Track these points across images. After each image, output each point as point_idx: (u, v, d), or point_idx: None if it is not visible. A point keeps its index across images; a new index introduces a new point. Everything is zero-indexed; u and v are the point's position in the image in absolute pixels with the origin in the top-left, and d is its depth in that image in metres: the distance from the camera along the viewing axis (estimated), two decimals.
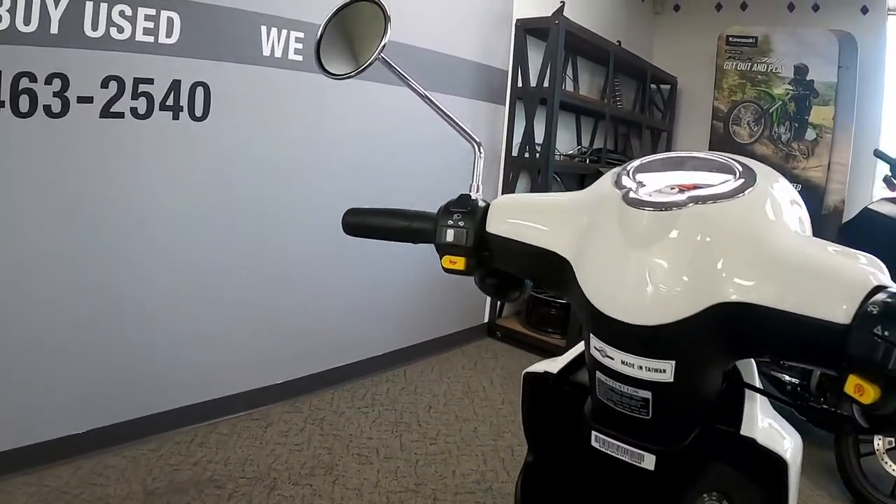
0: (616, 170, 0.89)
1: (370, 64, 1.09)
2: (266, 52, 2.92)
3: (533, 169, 4.55)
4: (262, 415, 3.21)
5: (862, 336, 0.65)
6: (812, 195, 5.45)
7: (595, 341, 0.81)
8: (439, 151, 3.78)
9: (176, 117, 2.68)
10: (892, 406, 0.66)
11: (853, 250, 0.79)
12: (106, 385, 2.67)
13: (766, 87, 5.63)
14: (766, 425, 0.83)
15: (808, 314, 0.69)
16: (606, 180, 0.88)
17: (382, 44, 1.08)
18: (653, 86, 6.31)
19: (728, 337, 0.75)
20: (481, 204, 1.02)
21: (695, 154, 0.91)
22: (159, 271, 2.77)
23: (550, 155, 4.44)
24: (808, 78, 5.47)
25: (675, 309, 0.72)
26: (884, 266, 0.77)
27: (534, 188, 4.61)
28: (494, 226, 0.99)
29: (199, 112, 2.74)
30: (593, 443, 0.87)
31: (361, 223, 1.13)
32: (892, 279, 2.41)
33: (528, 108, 4.48)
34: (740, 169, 0.83)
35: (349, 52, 1.14)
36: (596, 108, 5.31)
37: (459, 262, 1.01)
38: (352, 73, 1.12)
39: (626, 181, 0.84)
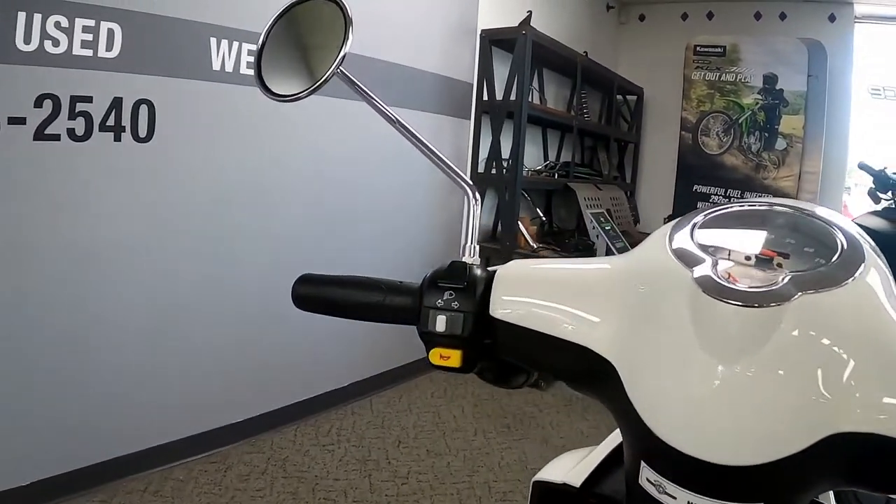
0: (668, 227, 0.69)
1: (326, 80, 0.87)
2: (216, 66, 2.74)
3: (500, 185, 4.43)
4: (220, 457, 3.01)
5: None
6: None
7: (649, 472, 0.61)
8: (418, 168, 3.66)
9: (118, 139, 2.48)
10: None
11: None
12: (50, 432, 2.46)
13: (735, 97, 5.62)
14: None
15: None
16: (660, 244, 0.67)
17: (342, 54, 0.86)
18: (619, 97, 6.25)
19: (845, 473, 0.56)
20: (481, 274, 0.77)
21: (770, 204, 0.71)
22: (104, 308, 2.57)
23: (518, 170, 4.33)
24: (777, 87, 5.48)
25: (779, 445, 0.53)
26: None
27: (501, 205, 4.51)
28: (502, 308, 0.74)
29: (142, 133, 2.54)
30: None
31: (318, 296, 0.85)
32: None
33: (494, 122, 4.36)
34: (837, 226, 0.64)
35: (299, 65, 0.92)
36: (563, 120, 5.23)
37: (454, 358, 0.75)
38: (302, 93, 0.88)
39: (689, 246, 0.64)
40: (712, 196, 5.74)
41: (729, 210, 0.70)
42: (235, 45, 2.79)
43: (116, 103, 2.45)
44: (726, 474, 0.55)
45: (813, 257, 0.61)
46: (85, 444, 2.58)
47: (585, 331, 0.67)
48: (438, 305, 0.75)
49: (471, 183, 0.88)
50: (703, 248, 0.63)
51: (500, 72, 4.39)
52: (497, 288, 0.75)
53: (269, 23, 0.93)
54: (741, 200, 0.75)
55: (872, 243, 0.72)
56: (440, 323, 0.74)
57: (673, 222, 0.69)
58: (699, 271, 0.59)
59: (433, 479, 3.01)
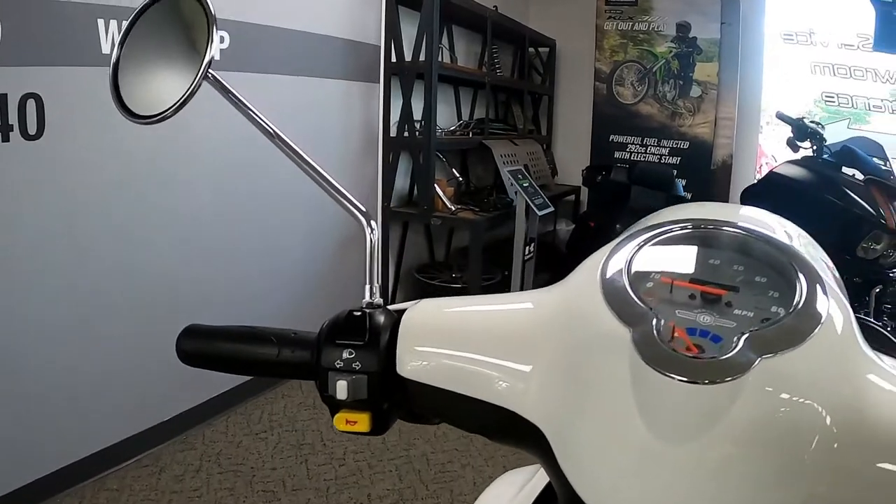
0: (601, 258, 0.61)
1: (192, 92, 0.76)
2: (106, 49, 2.61)
3: (414, 149, 4.42)
4: (152, 459, 2.96)
5: None
6: (701, 151, 5.62)
7: None
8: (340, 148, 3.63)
9: (6, 139, 2.33)
10: None
11: None
12: None
13: (649, 46, 5.70)
14: None
15: None
16: (591, 285, 0.59)
17: (207, 58, 0.75)
18: (532, 50, 6.26)
19: None
20: (384, 323, 0.68)
21: (717, 224, 0.64)
22: (7, 317, 2.46)
23: (431, 132, 4.31)
24: (690, 35, 5.58)
25: None
26: None
27: (416, 168, 4.50)
28: (410, 365, 0.66)
29: (32, 130, 2.40)
30: None
31: (206, 352, 0.74)
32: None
33: (404, 83, 4.32)
34: (791, 254, 0.59)
35: (163, 77, 0.79)
36: (475, 77, 5.23)
37: (361, 422, 0.67)
38: (168, 111, 0.77)
39: (626, 293, 0.56)
40: (629, 145, 5.83)
41: (670, 234, 0.64)
42: (125, 23, 2.67)
43: (1, 99, 2.31)
44: None
45: (766, 289, 0.56)
46: (7, 467, 2.48)
47: (508, 391, 0.61)
48: (338, 367, 0.67)
49: (364, 210, 0.78)
50: (643, 290, 0.58)
51: (408, 32, 4.33)
52: (403, 340, 0.67)
53: (123, 31, 0.81)
54: (683, 221, 0.66)
55: (822, 256, 0.69)
56: (341, 389, 0.66)
57: (607, 250, 0.64)
58: (638, 333, 0.52)
59: (370, 458, 3.03)
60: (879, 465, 0.48)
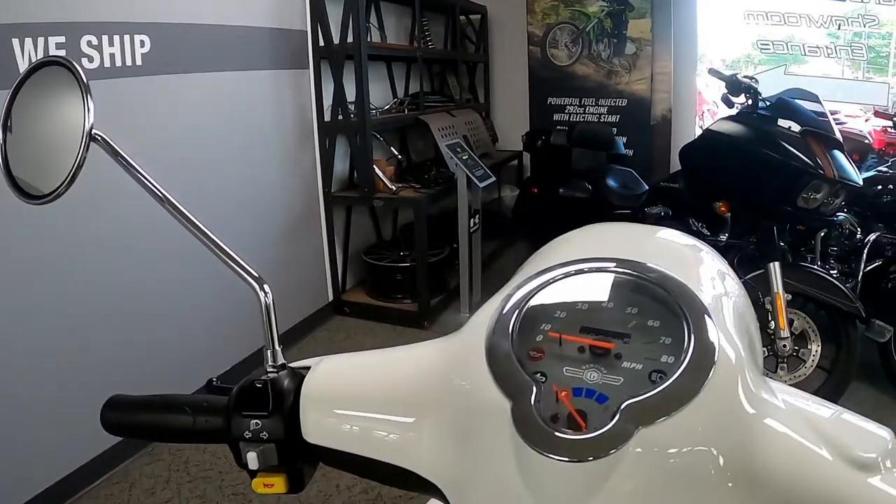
0: (491, 310, 0.64)
1: (79, 163, 0.75)
2: (23, 68, 2.59)
3: (350, 132, 4.42)
4: (121, 475, 2.97)
5: None
6: (639, 108, 5.67)
7: None
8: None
9: None
10: None
11: (852, 417, 0.59)
12: None
13: (580, 7, 5.73)
14: None
15: None
16: (477, 347, 0.61)
17: (86, 129, 0.75)
18: (463, 18, 6.25)
19: None
20: (287, 387, 0.72)
21: (608, 268, 0.66)
22: None
23: (366, 113, 4.31)
24: None
25: None
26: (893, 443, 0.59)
27: (353, 151, 4.51)
28: (315, 432, 0.70)
29: None
30: None
31: (128, 422, 0.78)
32: (733, 197, 2.42)
33: (334, 67, 4.30)
34: (682, 299, 0.61)
35: (53, 151, 0.78)
36: (407, 53, 5.23)
37: (278, 485, 0.72)
38: (60, 188, 0.76)
39: (509, 360, 0.58)
40: (567, 107, 5.88)
41: (561, 280, 0.66)
42: (41, 40, 2.62)
43: None
44: None
45: (658, 335, 0.59)
46: None
47: (405, 452, 0.65)
48: (247, 437, 0.70)
49: (257, 275, 0.78)
50: (532, 344, 0.60)
51: (335, 13, 4.30)
52: (306, 407, 0.71)
53: (3, 113, 0.79)
54: (574, 263, 0.68)
55: (724, 279, 0.72)
56: (252, 460, 0.70)
57: (498, 299, 0.66)
58: (518, 408, 0.54)
59: None
60: None
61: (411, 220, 4.73)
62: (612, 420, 0.52)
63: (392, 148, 5.03)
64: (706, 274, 0.73)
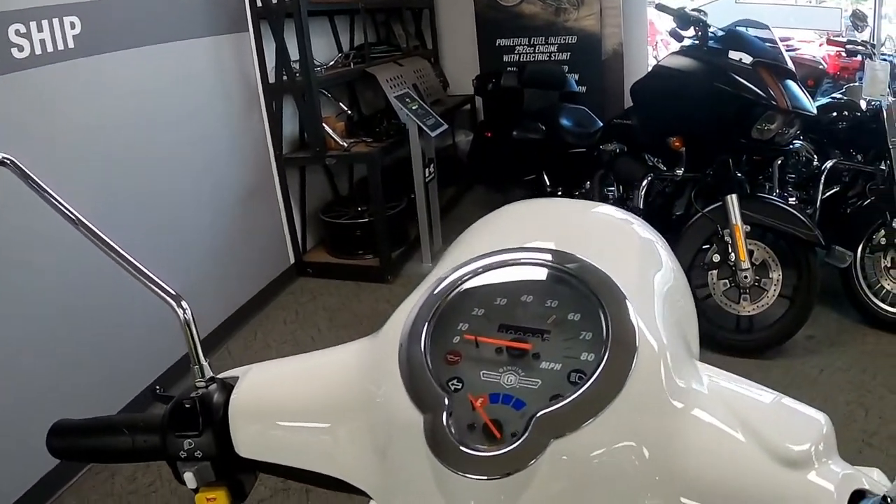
0: (408, 313, 0.64)
1: None
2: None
3: (296, 91, 4.35)
4: (102, 466, 2.92)
5: None
6: (590, 44, 5.64)
7: None
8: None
9: None
10: None
11: (786, 403, 0.60)
12: None
13: None
14: None
15: None
16: (391, 356, 0.61)
17: None
18: None
19: None
20: (216, 403, 0.72)
21: (494, 261, 0.65)
22: None
23: (310, 71, 4.24)
24: None
25: None
26: (828, 429, 0.59)
27: (301, 111, 4.45)
28: (249, 448, 0.71)
29: None
30: None
31: (72, 447, 0.78)
32: (687, 132, 2.97)
33: (274, 26, 4.20)
34: (591, 281, 0.60)
35: None
36: (349, 6, 5.13)
37: (220, 498, 0.72)
38: None
39: (423, 369, 0.58)
40: (517, 47, 5.82)
41: (479, 275, 0.65)
42: None
43: None
44: None
45: (578, 329, 0.58)
46: None
47: (334, 460, 0.66)
48: (182, 457, 0.71)
49: (174, 293, 0.77)
50: (449, 348, 0.60)
51: None
52: (235, 423, 0.72)
53: None
54: (494, 254, 0.67)
55: (659, 263, 0.72)
56: (190, 480, 0.71)
57: (411, 301, 0.66)
58: (430, 423, 0.54)
59: None
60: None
61: (366, 175, 4.70)
62: (525, 431, 0.51)
63: (341, 104, 4.97)
64: (633, 258, 0.73)
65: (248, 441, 0.71)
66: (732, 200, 3.29)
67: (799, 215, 3.28)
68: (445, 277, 0.66)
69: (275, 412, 0.71)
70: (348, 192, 5.48)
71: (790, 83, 3.30)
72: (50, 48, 2.73)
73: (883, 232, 3.53)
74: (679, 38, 3.60)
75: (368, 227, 4.64)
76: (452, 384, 0.57)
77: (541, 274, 0.64)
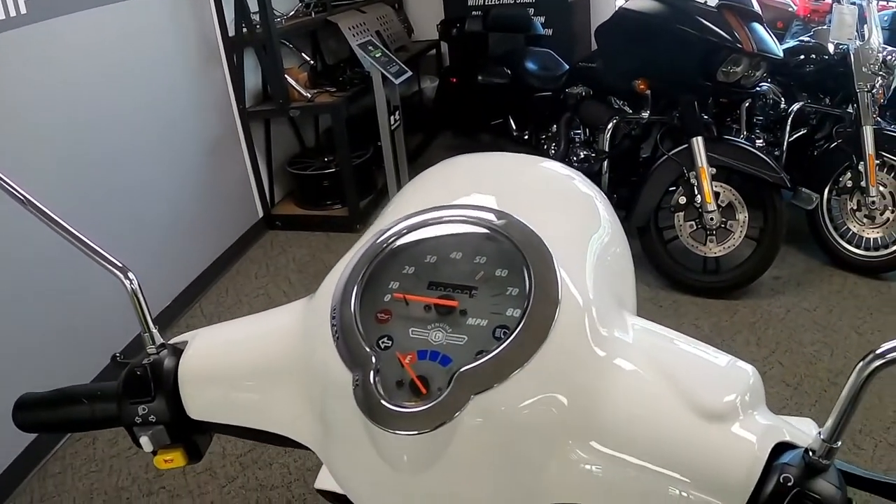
0: (336, 274, 0.66)
1: None
2: None
3: (256, 44, 4.29)
4: (83, 432, 2.93)
5: None
6: None
7: None
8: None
9: None
10: None
11: (715, 356, 0.62)
12: None
13: None
14: None
15: None
16: (322, 318, 0.63)
17: None
18: None
19: None
20: (167, 369, 0.75)
21: (426, 219, 0.68)
22: None
23: (270, 22, 4.17)
24: None
25: None
26: (756, 381, 0.60)
27: (263, 63, 4.41)
28: (199, 410, 0.75)
29: None
30: None
31: (37, 420, 0.82)
32: (652, 74, 3.11)
33: None
34: (516, 238, 0.62)
35: None
36: None
37: (177, 459, 0.76)
38: None
39: (354, 329, 0.60)
40: None
41: (411, 233, 0.67)
42: None
43: None
44: None
45: (505, 285, 0.60)
46: None
47: (277, 419, 0.69)
48: (138, 422, 0.74)
49: (120, 265, 0.78)
50: (379, 307, 0.61)
51: None
52: (185, 388, 0.75)
53: None
54: (427, 212, 0.69)
55: (595, 214, 0.73)
56: (146, 444, 0.74)
57: (343, 264, 0.68)
58: (359, 382, 0.56)
59: None
60: (619, 455, 0.56)
61: (332, 126, 4.67)
62: (448, 387, 0.54)
63: (303, 54, 4.92)
64: (565, 215, 0.74)
65: (197, 404, 0.74)
66: (698, 143, 3.32)
67: (765, 157, 3.31)
68: (377, 237, 0.68)
69: (220, 376, 0.74)
70: (314, 143, 5.45)
71: (756, 25, 3.30)
72: (2, 15, 2.66)
73: (849, 174, 3.57)
74: None
75: (335, 177, 4.63)
76: (382, 342, 0.59)
77: (470, 231, 0.65)
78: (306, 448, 0.69)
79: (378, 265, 0.65)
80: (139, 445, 0.75)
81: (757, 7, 3.35)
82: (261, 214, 4.75)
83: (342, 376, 0.58)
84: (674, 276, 3.55)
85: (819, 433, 0.53)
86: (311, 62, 4.96)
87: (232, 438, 2.58)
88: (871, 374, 0.51)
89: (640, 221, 3.54)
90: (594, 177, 3.66)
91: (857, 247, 3.64)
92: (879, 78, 3.45)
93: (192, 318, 3.75)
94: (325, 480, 0.87)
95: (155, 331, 0.78)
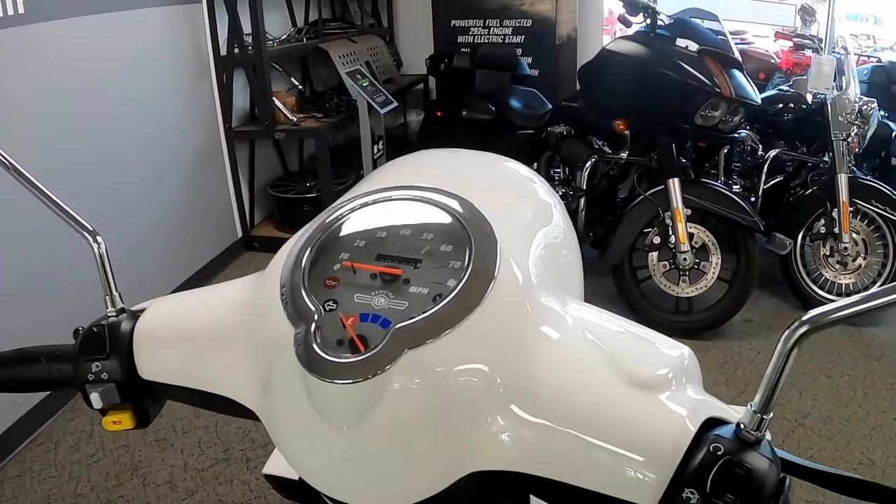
0: (293, 245, 0.69)
1: None
2: None
3: (247, 64, 4.35)
4: (45, 435, 2.96)
5: None
6: (544, 28, 5.66)
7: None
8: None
9: None
10: None
11: (652, 336, 0.65)
12: None
13: None
14: None
15: (597, 489, 0.56)
16: (273, 281, 0.66)
17: None
18: None
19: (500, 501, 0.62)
20: (123, 331, 0.77)
21: (381, 197, 0.71)
22: None
23: (262, 44, 4.26)
24: None
25: (415, 492, 0.59)
26: (691, 362, 0.63)
27: (252, 84, 4.46)
28: (150, 369, 0.77)
29: None
30: None
31: None
32: (632, 115, 3.08)
33: None
34: (464, 217, 0.65)
35: None
36: None
37: (125, 421, 0.78)
38: None
39: (301, 288, 0.63)
40: (471, 29, 5.83)
41: (364, 209, 0.70)
42: None
43: None
44: None
45: (448, 259, 0.62)
46: None
47: (224, 381, 0.71)
48: (91, 379, 0.76)
49: (91, 228, 0.82)
50: (328, 275, 0.64)
51: None
52: (139, 349, 0.77)
53: None
54: (380, 192, 0.72)
55: (538, 202, 0.76)
56: (96, 400, 0.75)
57: (298, 235, 0.71)
58: (300, 335, 0.59)
59: None
60: (544, 422, 0.58)
61: (316, 151, 4.72)
62: (380, 343, 0.56)
63: (293, 78, 4.99)
64: (517, 207, 0.76)
65: (149, 364, 0.76)
66: (674, 184, 3.38)
67: (739, 201, 3.39)
68: (331, 213, 0.71)
69: (174, 338, 0.76)
70: (298, 167, 5.49)
71: (736, 72, 3.39)
72: (0, 13, 2.71)
73: (823, 221, 3.64)
74: (628, 25, 3.67)
75: (316, 202, 4.66)
76: (328, 305, 0.61)
77: (422, 210, 0.68)
78: (251, 416, 0.71)
79: (330, 238, 0.68)
80: (90, 404, 0.77)
81: (737, 55, 3.45)
82: (240, 234, 4.77)
83: (286, 331, 0.60)
84: (646, 315, 3.59)
85: (750, 405, 0.54)
86: (300, 87, 5.02)
87: (195, 453, 2.64)
88: (797, 341, 0.51)
89: (615, 260, 3.60)
90: (571, 215, 3.71)
91: (829, 292, 3.71)
92: (855, 127, 3.54)
93: None
94: (274, 465, 0.88)
95: (116, 294, 0.81)
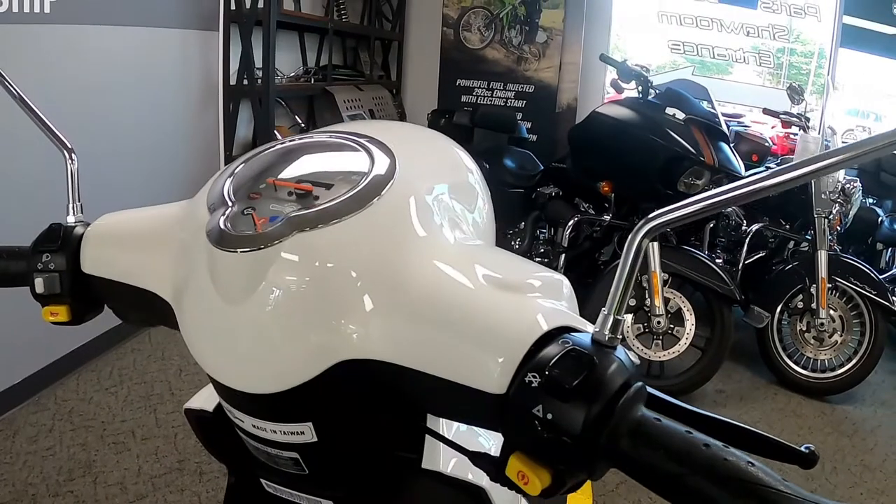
0: (218, 173, 0.75)
1: None
2: None
3: (254, 96, 4.50)
4: (6, 423, 3.01)
5: (518, 415, 0.54)
6: (546, 94, 5.87)
7: (222, 402, 0.72)
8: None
9: None
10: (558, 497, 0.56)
11: (534, 266, 0.70)
12: None
13: None
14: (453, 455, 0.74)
15: (452, 378, 0.58)
16: (205, 189, 0.73)
17: None
18: None
19: (370, 394, 0.66)
20: (76, 233, 0.85)
21: (316, 138, 0.78)
22: None
23: (270, 79, 4.41)
24: None
25: (290, 374, 0.62)
26: (568, 291, 0.69)
27: (257, 116, 4.59)
28: (91, 263, 0.83)
29: None
30: (266, 488, 0.83)
31: None
32: (615, 176, 3.31)
33: (243, 31, 4.37)
34: (376, 154, 0.71)
35: None
36: (319, 24, 5.30)
37: (61, 314, 0.84)
38: None
39: (225, 191, 0.69)
40: (475, 89, 6.04)
41: (285, 145, 0.77)
42: None
43: None
44: (262, 400, 0.65)
45: (357, 184, 0.66)
46: None
47: (150, 276, 0.76)
48: (38, 268, 0.83)
49: (69, 146, 0.92)
50: (253, 189, 0.69)
51: None
52: (87, 245, 0.84)
53: None
54: (318, 132, 0.80)
55: (445, 149, 0.83)
56: (39, 285, 0.82)
57: (239, 162, 0.77)
58: (212, 220, 0.65)
59: None
60: (418, 326, 0.61)
61: None
62: (275, 225, 0.62)
63: (297, 116, 5.13)
64: (432, 156, 0.83)
65: (91, 259, 0.83)
66: (653, 248, 3.43)
67: (718, 270, 3.48)
68: (264, 148, 0.78)
69: (115, 239, 0.84)
70: None
71: (722, 144, 3.52)
72: (27, 9, 2.84)
73: (801, 296, 3.72)
74: (620, 91, 3.81)
75: None
76: (247, 211, 0.66)
77: (344, 145, 0.75)
78: (167, 321, 0.76)
79: (261, 161, 0.75)
80: (34, 293, 0.84)
81: (725, 128, 3.58)
82: None
83: (202, 217, 0.67)
84: None
85: (603, 309, 0.56)
86: (303, 125, 5.16)
87: (150, 459, 2.74)
88: (641, 240, 0.54)
89: (589, 320, 3.64)
90: None
91: (805, 368, 3.77)
92: (837, 205, 3.63)
93: (138, 352, 3.78)
94: (193, 401, 0.91)
95: (78, 205, 0.91)
